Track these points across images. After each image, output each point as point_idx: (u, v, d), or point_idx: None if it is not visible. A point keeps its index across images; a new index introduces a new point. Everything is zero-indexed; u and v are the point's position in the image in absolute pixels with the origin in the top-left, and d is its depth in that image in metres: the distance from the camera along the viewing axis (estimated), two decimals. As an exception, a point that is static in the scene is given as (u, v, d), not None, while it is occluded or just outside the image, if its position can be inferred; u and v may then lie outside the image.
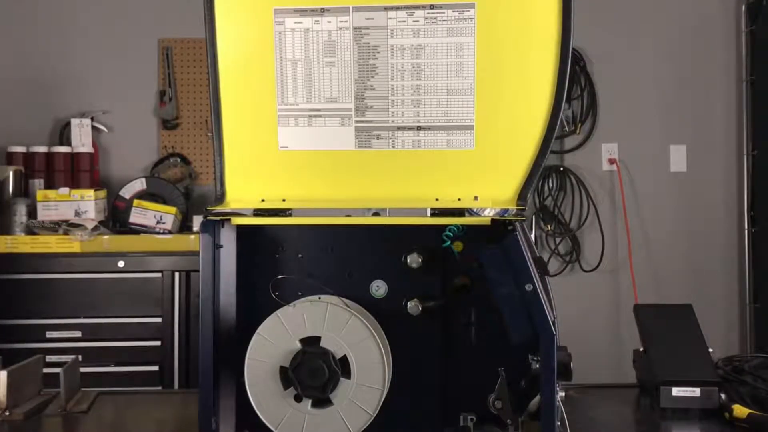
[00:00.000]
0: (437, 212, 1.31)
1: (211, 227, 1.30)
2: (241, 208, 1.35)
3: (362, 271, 1.36)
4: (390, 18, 1.29)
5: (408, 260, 1.34)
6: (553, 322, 1.22)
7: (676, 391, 1.51)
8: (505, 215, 1.28)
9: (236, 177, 1.35)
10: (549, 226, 4.03)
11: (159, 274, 3.32)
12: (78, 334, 3.27)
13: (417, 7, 1.29)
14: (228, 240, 1.34)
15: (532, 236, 3.92)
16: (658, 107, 4.06)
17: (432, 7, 1.28)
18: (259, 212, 1.34)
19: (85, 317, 3.29)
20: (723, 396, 1.50)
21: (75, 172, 3.69)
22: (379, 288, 1.35)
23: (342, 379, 1.24)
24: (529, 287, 1.22)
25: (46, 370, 1.69)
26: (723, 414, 1.47)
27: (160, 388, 3.25)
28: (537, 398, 1.25)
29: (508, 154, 1.30)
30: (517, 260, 1.23)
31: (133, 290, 3.31)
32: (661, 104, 4.06)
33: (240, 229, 1.35)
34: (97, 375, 3.14)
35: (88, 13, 3.90)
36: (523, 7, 1.28)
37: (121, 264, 3.30)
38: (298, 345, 1.25)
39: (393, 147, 1.32)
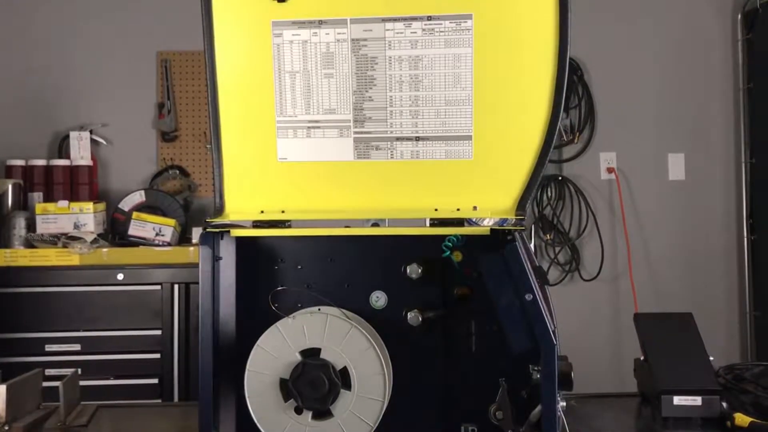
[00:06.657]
0: (436, 222, 1.31)
1: (211, 239, 1.30)
2: (240, 219, 1.35)
3: (362, 281, 1.35)
4: (388, 30, 1.30)
5: (408, 271, 1.34)
6: (554, 332, 1.22)
7: (677, 399, 1.51)
8: (505, 225, 1.28)
9: (235, 189, 1.35)
10: (548, 235, 4.02)
11: (158, 287, 3.31)
12: (77, 347, 3.26)
13: (414, 19, 1.29)
14: (227, 252, 1.34)
15: (532, 246, 3.92)
16: (655, 116, 4.06)
17: (429, 18, 1.29)
18: (258, 224, 1.34)
19: (84, 330, 3.28)
20: (724, 404, 1.50)
21: (74, 184, 3.69)
22: (378, 299, 1.35)
23: (342, 390, 1.24)
24: (529, 297, 1.22)
25: (45, 384, 1.68)
26: (725, 423, 1.47)
27: (160, 400, 3.24)
28: (538, 408, 1.25)
29: (507, 163, 1.30)
30: (516, 270, 1.23)
31: (132, 303, 3.30)
32: (659, 113, 4.07)
33: (239, 240, 1.35)
34: (96, 388, 3.14)
35: (87, 27, 3.90)
36: (520, 17, 1.28)
37: (120, 276, 3.29)
38: (298, 357, 1.25)
39: (392, 158, 1.32)
